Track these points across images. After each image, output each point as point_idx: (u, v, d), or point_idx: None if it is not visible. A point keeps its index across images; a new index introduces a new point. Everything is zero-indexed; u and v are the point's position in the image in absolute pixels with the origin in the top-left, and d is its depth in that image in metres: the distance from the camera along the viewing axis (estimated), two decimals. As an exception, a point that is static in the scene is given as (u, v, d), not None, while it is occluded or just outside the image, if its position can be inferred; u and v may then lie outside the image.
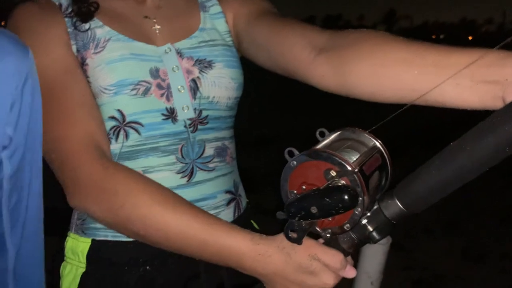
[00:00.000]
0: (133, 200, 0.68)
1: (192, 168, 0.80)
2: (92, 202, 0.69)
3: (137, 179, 0.70)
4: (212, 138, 0.83)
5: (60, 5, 0.80)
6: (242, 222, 0.84)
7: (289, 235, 0.59)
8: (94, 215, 0.72)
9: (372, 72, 0.65)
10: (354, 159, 0.57)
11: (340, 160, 0.55)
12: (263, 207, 0.95)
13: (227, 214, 0.85)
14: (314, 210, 0.52)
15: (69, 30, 0.77)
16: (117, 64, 0.76)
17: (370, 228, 0.59)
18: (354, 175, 0.54)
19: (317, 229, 0.59)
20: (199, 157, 0.81)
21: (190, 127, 0.80)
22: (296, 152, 0.59)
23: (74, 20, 0.78)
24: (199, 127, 0.81)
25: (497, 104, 0.53)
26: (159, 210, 0.67)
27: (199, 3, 0.90)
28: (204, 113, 0.81)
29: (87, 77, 0.76)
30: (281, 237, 0.64)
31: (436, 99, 0.58)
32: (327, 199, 0.51)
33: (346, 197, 0.50)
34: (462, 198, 2.92)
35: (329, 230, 0.59)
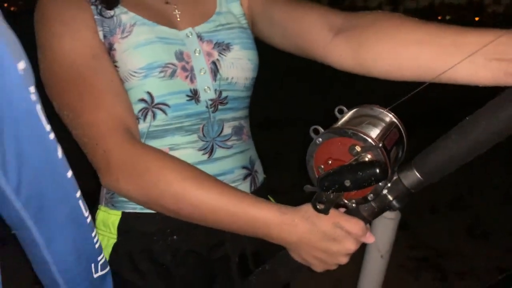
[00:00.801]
0: (165, 178, 0.72)
1: (212, 145, 0.85)
2: (125, 182, 0.73)
3: (167, 158, 0.74)
4: (230, 118, 0.88)
5: None
6: (259, 196, 0.89)
7: (317, 206, 0.64)
8: (127, 194, 0.76)
9: (391, 51, 0.68)
10: (376, 134, 0.62)
11: (364, 136, 0.59)
12: (271, 187, 1.00)
13: (244, 188, 0.90)
14: (347, 183, 0.57)
15: (95, 17, 0.80)
16: (145, 48, 0.79)
17: (390, 198, 0.64)
18: (378, 149, 0.58)
19: (344, 200, 0.64)
20: (218, 135, 0.86)
21: (211, 108, 0.84)
22: (320, 129, 0.64)
23: (100, 7, 0.81)
24: (219, 107, 0.85)
25: (510, 81, 0.56)
26: (190, 186, 0.71)
27: None
28: (224, 94, 0.86)
29: (115, 61, 0.79)
30: (305, 207, 0.69)
31: (450, 77, 0.62)
32: (361, 173, 0.56)
33: (378, 170, 0.55)
34: (465, 176, 2.97)
35: (353, 201, 0.64)
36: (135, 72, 0.79)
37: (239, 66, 0.87)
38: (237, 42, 0.87)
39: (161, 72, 0.80)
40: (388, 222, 1.33)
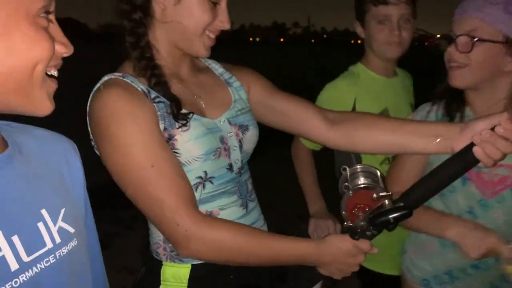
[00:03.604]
0: (238, 244, 0.99)
1: (246, 201, 1.14)
2: (205, 253, 0.98)
3: (233, 227, 1.01)
4: (248, 177, 1.18)
5: (143, 91, 1.00)
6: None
7: (355, 236, 0.99)
8: (206, 260, 1.02)
9: (372, 137, 1.11)
10: (382, 185, 1.01)
11: (380, 188, 0.98)
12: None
13: (265, 229, 1.20)
14: (392, 220, 0.94)
15: (158, 113, 1.00)
16: (203, 138, 1.03)
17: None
18: (390, 196, 0.98)
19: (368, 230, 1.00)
20: (247, 192, 1.15)
21: (238, 174, 1.13)
22: (350, 186, 1.00)
23: (168, 113, 1.00)
24: (241, 171, 1.14)
25: (448, 151, 1.01)
26: (257, 244, 1.01)
27: (223, 80, 1.20)
28: (243, 162, 1.15)
29: (176, 149, 1.00)
30: (330, 238, 1.04)
31: (413, 150, 1.07)
32: (399, 213, 0.93)
33: (407, 211, 0.93)
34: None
35: (371, 227, 1.01)
36: (197, 157, 1.02)
37: (252, 141, 1.17)
38: (251, 123, 1.17)
39: (214, 155, 1.05)
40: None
